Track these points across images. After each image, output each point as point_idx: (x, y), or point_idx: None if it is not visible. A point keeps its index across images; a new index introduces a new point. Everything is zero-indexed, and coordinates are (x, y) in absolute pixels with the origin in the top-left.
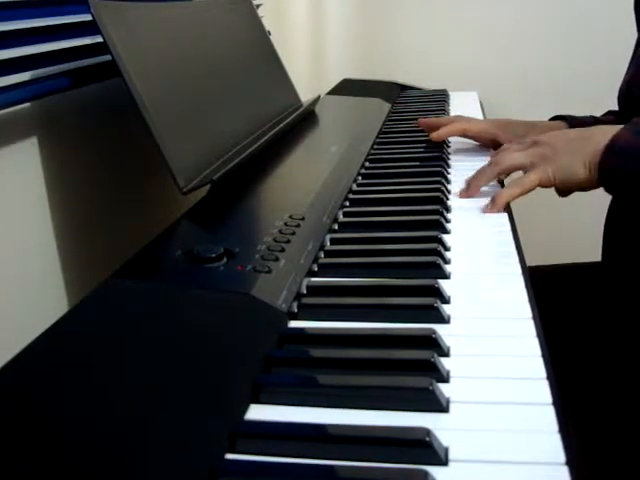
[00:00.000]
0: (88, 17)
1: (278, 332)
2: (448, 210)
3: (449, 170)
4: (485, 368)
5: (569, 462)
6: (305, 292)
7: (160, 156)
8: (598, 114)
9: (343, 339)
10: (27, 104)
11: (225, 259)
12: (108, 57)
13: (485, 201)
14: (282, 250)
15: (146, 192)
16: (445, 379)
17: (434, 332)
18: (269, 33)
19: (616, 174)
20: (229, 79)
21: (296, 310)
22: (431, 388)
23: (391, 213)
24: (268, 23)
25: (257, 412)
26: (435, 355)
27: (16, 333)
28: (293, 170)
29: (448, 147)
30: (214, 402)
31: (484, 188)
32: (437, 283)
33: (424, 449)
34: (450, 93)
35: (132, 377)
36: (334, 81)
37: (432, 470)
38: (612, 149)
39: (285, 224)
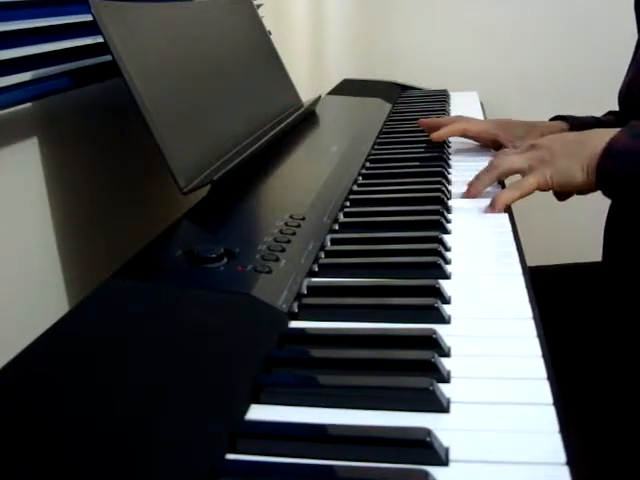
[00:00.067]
0: (89, 17)
1: (278, 332)
2: (449, 210)
3: (450, 170)
4: (486, 368)
5: (569, 462)
6: (305, 292)
7: (160, 156)
8: (598, 114)
9: (344, 339)
10: (28, 104)
11: (225, 259)
12: (108, 57)
13: (485, 202)
14: (282, 250)
15: (146, 192)
16: (445, 379)
17: (435, 332)
18: (269, 33)
19: (614, 177)
20: (229, 79)
21: (296, 310)
22: (431, 388)
23: (392, 213)
24: (268, 23)
25: (257, 412)
26: (436, 355)
27: (16, 333)
28: (294, 170)
29: (449, 147)
30: (214, 402)
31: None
32: (438, 283)
33: (424, 449)
34: (450, 93)
35: (132, 377)
36: (334, 81)
37: (432, 470)
38: (609, 152)
39: (285, 224)
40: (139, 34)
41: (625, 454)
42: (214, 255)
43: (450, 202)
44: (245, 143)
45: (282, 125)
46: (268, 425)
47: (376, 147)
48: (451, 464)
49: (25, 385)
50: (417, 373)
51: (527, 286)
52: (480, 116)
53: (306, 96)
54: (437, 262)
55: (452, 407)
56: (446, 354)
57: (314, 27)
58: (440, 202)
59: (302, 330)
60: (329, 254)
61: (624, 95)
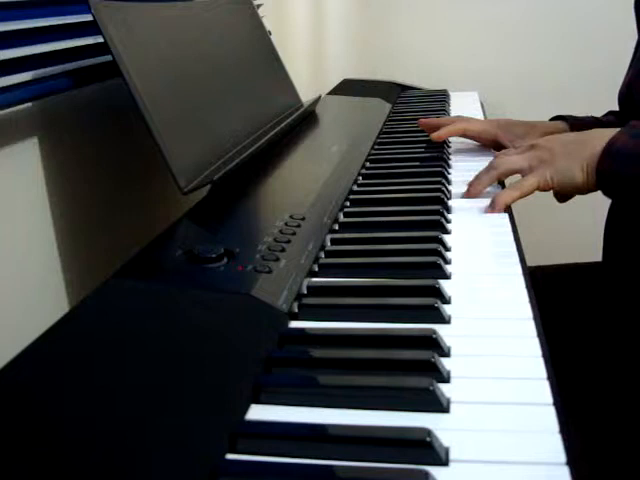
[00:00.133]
0: (89, 17)
1: (279, 332)
2: (449, 210)
3: (450, 170)
4: (485, 368)
5: (570, 462)
6: (306, 292)
7: (160, 156)
8: (598, 114)
9: (344, 339)
10: (28, 104)
11: (225, 259)
12: (109, 57)
13: (485, 202)
14: (282, 250)
15: (146, 192)
16: (445, 379)
17: (434, 332)
18: (269, 33)
19: (613, 177)
20: (229, 79)
21: (297, 310)
22: (432, 388)
23: (391, 213)
24: (268, 23)
25: (258, 412)
26: (436, 355)
27: (16, 333)
28: (293, 170)
29: (449, 147)
30: (215, 402)
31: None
32: (437, 283)
33: (425, 449)
34: (450, 93)
35: (132, 377)
36: (334, 81)
37: (433, 470)
38: (609, 152)
39: (285, 224)
40: (139, 34)
41: (625, 454)
42: (214, 255)
43: (450, 202)
44: (245, 143)
45: (282, 125)
46: (268, 425)
47: (376, 147)
48: (451, 464)
49: (25, 385)
50: (417, 373)
51: (527, 286)
52: (480, 116)
53: (306, 96)
54: (437, 262)
55: (452, 407)
56: (446, 354)
57: (314, 27)
58: (440, 202)
59: (302, 330)
60: (329, 254)
61: (624, 95)
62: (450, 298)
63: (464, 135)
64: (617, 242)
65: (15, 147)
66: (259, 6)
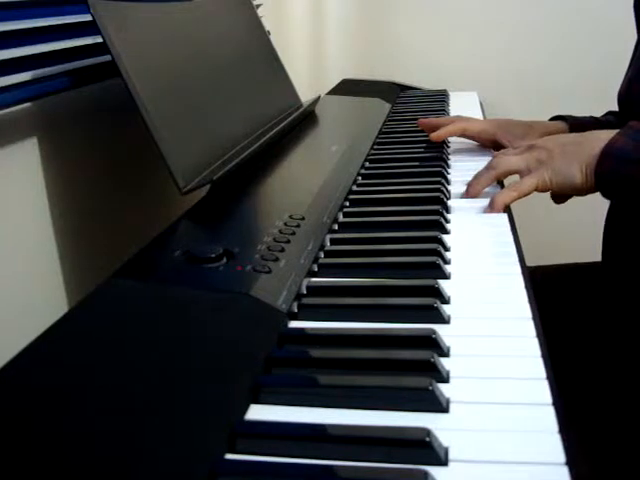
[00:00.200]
0: (88, 17)
1: (278, 332)
2: (448, 210)
3: (449, 170)
4: (485, 368)
5: (569, 462)
6: (305, 292)
7: (160, 156)
8: (598, 114)
9: (343, 339)
10: (28, 104)
11: (225, 259)
12: (108, 57)
13: (485, 202)
14: (282, 250)
15: (145, 192)
16: (445, 379)
17: (434, 332)
18: (269, 33)
19: (612, 179)
20: (229, 79)
21: (296, 310)
22: (431, 388)
23: (391, 213)
24: (268, 23)
25: (257, 412)
26: (435, 355)
27: (16, 333)
28: (293, 170)
29: (448, 147)
30: (214, 402)
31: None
32: (437, 283)
33: (424, 449)
34: (450, 93)
35: (132, 377)
36: (334, 81)
37: (432, 470)
38: (608, 154)
39: (285, 224)
40: (139, 34)
41: (625, 454)
42: (213, 255)
43: (449, 202)
44: (244, 143)
45: (281, 125)
46: (267, 425)
47: (375, 147)
48: (450, 464)
49: (25, 385)
50: (416, 373)
51: (527, 286)
52: (480, 116)
53: (306, 96)
54: (436, 262)
55: (451, 407)
56: (445, 354)
57: (314, 27)
58: (439, 202)
59: (302, 330)
60: (329, 254)
61: (623, 95)
62: (449, 298)
63: (463, 135)
64: (617, 242)
65: (15, 147)
66: (258, 6)
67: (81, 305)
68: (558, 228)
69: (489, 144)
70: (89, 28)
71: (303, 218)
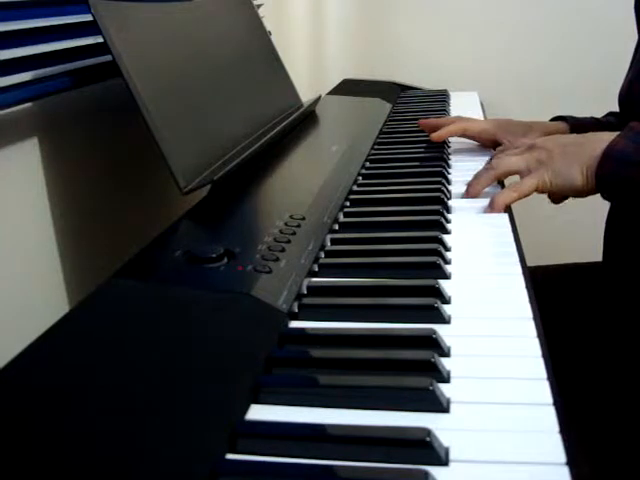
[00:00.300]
0: (89, 17)
1: (279, 332)
2: (448, 210)
3: (449, 170)
4: (485, 368)
5: (569, 462)
6: (306, 292)
7: (160, 156)
8: (598, 114)
9: (344, 339)
10: (28, 104)
11: (225, 259)
12: (109, 57)
13: (485, 202)
14: (282, 250)
15: (146, 192)
16: (445, 379)
17: (434, 332)
18: (269, 33)
19: (613, 181)
20: (229, 79)
21: (297, 310)
22: (431, 388)
23: (391, 213)
24: (268, 23)
25: (257, 412)
26: (435, 355)
27: (16, 333)
28: (293, 170)
29: (448, 147)
30: (214, 402)
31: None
32: (437, 283)
33: (424, 449)
34: (450, 93)
35: (132, 377)
36: (334, 81)
37: (432, 470)
38: (609, 156)
39: (285, 224)
40: (139, 34)
41: (625, 454)
42: (214, 255)
43: (450, 202)
44: (245, 143)
45: (282, 125)
46: (268, 425)
47: (376, 147)
48: (451, 464)
49: (25, 385)
50: (417, 373)
51: (527, 286)
52: (480, 116)
53: (306, 96)
54: (437, 262)
55: (452, 407)
56: (446, 354)
57: (314, 27)
58: (440, 202)
59: (302, 330)
60: (329, 254)
61: (624, 96)
62: (450, 298)
63: (464, 135)
64: (617, 242)
65: (15, 147)
66: (259, 6)
67: (82, 305)
68: (559, 228)
69: (489, 144)
70: (90, 28)
71: (304, 218)
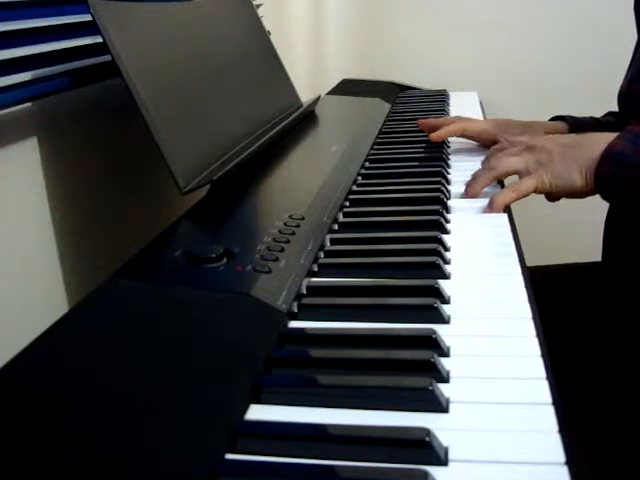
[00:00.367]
0: (88, 17)
1: (278, 332)
2: (448, 210)
3: (449, 170)
4: (485, 368)
5: (569, 462)
6: (305, 292)
7: (160, 156)
8: (598, 114)
9: (343, 339)
10: (28, 104)
11: (225, 259)
12: (108, 57)
13: (484, 202)
14: (282, 250)
15: (146, 192)
16: (445, 379)
17: (434, 332)
18: (269, 33)
19: (612, 182)
20: (229, 79)
21: (296, 310)
22: (431, 388)
23: (391, 213)
24: (268, 23)
25: (257, 412)
26: (435, 355)
27: (16, 333)
28: (293, 170)
29: (448, 147)
30: (214, 402)
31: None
32: (437, 283)
33: (424, 449)
34: (450, 93)
35: (132, 377)
36: (334, 81)
37: (432, 470)
38: (608, 157)
39: (285, 224)
40: (139, 34)
41: (625, 454)
42: (213, 255)
43: (449, 202)
44: (244, 143)
45: (281, 125)
46: (267, 425)
47: (375, 147)
48: (450, 464)
49: (25, 385)
50: (416, 373)
51: (527, 286)
52: (480, 116)
53: (306, 96)
54: (436, 262)
55: (451, 407)
56: (445, 354)
57: (314, 27)
58: (439, 202)
59: (302, 330)
60: (328, 254)
61: (624, 96)
62: (449, 298)
63: (463, 135)
64: (617, 242)
65: (15, 147)
66: (259, 6)
67: (81, 305)
68: (558, 228)
69: (489, 144)
70: (89, 28)
71: (303, 218)
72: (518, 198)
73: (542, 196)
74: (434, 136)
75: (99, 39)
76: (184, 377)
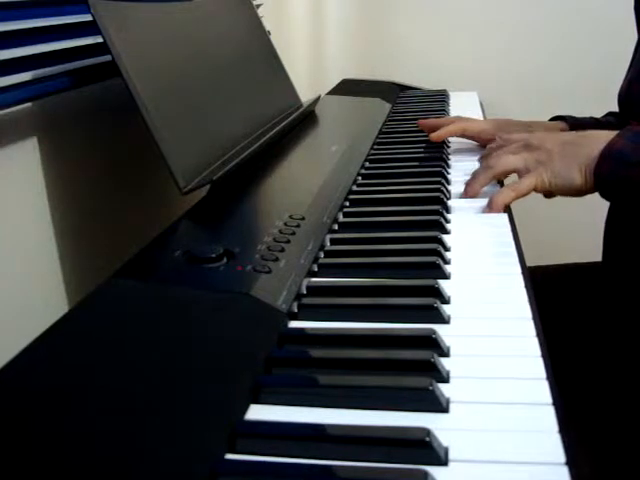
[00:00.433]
0: (88, 17)
1: (278, 332)
2: (448, 210)
3: (449, 170)
4: (485, 368)
5: (569, 462)
6: (305, 292)
7: (160, 156)
8: (598, 114)
9: (343, 339)
10: (28, 104)
11: (225, 259)
12: (108, 57)
13: (484, 201)
14: (282, 250)
15: (146, 192)
16: (445, 379)
17: (434, 332)
18: (269, 33)
19: (612, 181)
20: (229, 79)
21: (296, 310)
22: (431, 388)
23: (391, 213)
24: (268, 23)
25: (257, 412)
26: (435, 355)
27: (16, 333)
28: (293, 170)
29: (448, 147)
30: (214, 402)
31: (483, 188)
32: (437, 283)
33: (424, 449)
34: (450, 93)
35: (132, 377)
36: (334, 81)
37: (432, 470)
38: (608, 155)
39: (285, 224)
40: (139, 34)
41: (625, 454)
42: (214, 255)
43: (449, 202)
44: (244, 143)
45: (281, 125)
46: (267, 425)
47: (375, 147)
48: (450, 464)
49: (25, 385)
50: (416, 373)
51: (527, 286)
52: (480, 116)
53: (306, 96)
54: (436, 262)
55: (451, 407)
56: (445, 354)
57: (314, 27)
58: (439, 202)
59: (302, 330)
60: (329, 254)
61: (624, 96)
62: (449, 298)
63: (463, 135)
64: (617, 242)
65: (15, 147)
66: (259, 6)
67: (81, 305)
68: (558, 228)
69: (489, 144)
70: (89, 28)
71: (303, 218)
72: (518, 197)
73: (542, 196)
74: (434, 136)
75: (99, 39)
76: (184, 377)
